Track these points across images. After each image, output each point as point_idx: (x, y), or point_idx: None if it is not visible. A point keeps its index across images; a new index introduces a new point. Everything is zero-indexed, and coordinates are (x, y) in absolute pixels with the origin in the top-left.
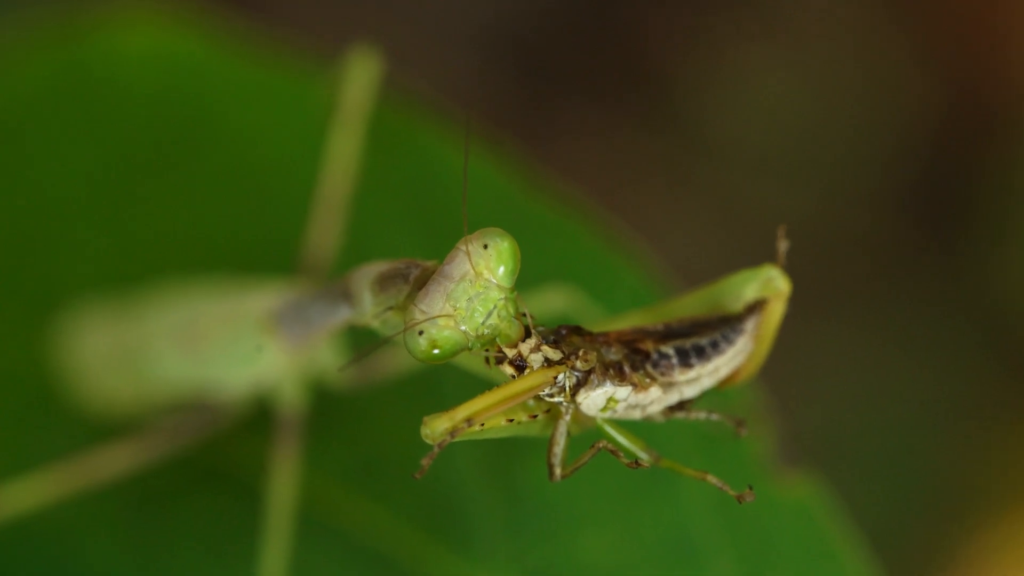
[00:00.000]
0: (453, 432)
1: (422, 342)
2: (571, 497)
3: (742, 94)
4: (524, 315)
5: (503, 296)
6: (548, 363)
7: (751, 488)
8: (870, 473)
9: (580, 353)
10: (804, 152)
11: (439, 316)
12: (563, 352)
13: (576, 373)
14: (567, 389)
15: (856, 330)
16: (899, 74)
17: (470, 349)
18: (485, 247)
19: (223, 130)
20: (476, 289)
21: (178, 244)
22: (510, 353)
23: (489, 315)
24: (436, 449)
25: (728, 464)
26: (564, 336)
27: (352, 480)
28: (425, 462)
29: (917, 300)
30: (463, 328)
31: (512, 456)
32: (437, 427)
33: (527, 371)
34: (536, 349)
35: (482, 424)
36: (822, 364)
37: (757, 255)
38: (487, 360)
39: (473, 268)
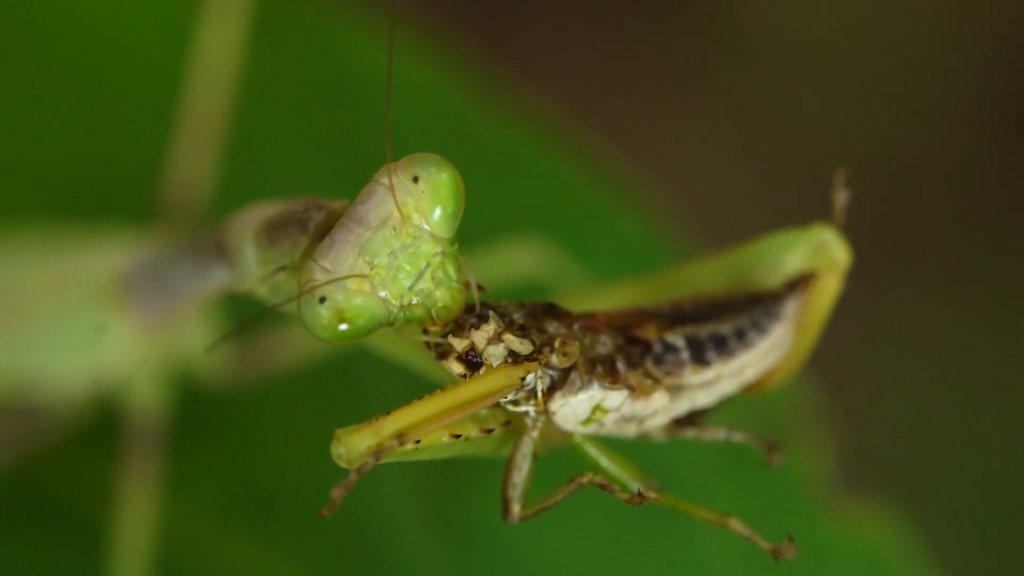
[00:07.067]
0: (378, 452)
1: (324, 313)
2: (541, 538)
3: None
4: (470, 283)
5: (439, 250)
6: (513, 358)
7: (792, 540)
8: (965, 505)
9: (557, 343)
10: (872, 54)
11: (349, 276)
12: (533, 342)
13: (550, 372)
14: (538, 394)
15: (945, 305)
16: None
17: (392, 325)
18: (415, 180)
19: (51, 16)
20: (402, 239)
21: None
22: (459, 344)
23: (420, 276)
24: (353, 475)
25: (767, 491)
26: (534, 318)
27: (232, 515)
28: (336, 494)
29: None
30: (382, 294)
31: (461, 481)
32: (355, 444)
33: (483, 368)
34: (496, 339)
35: (417, 441)
36: (899, 354)
37: (804, 199)
38: (427, 345)
39: (398, 209)
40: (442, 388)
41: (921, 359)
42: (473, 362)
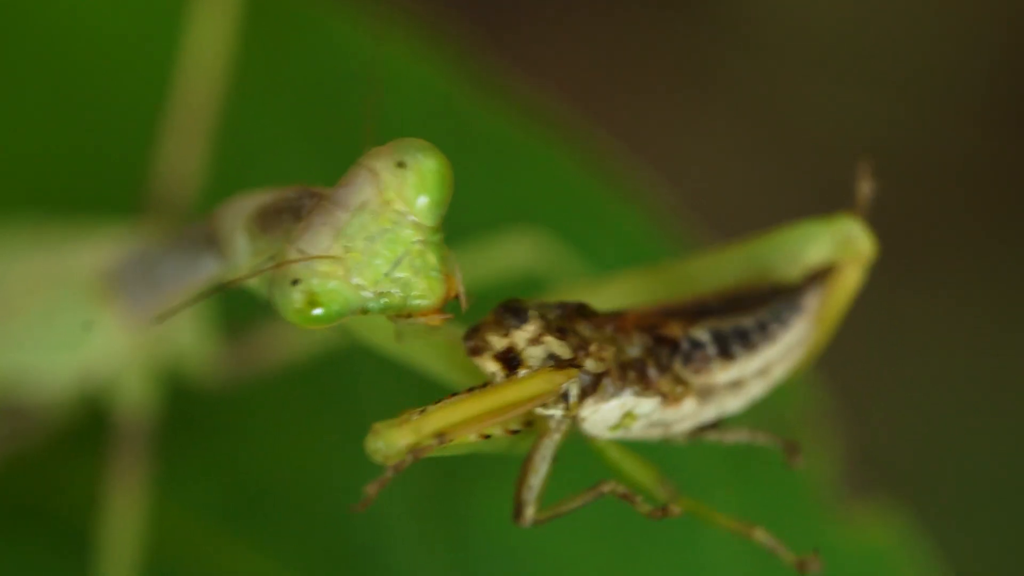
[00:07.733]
0: (416, 450)
1: (295, 296)
2: (540, 540)
3: None
4: (454, 276)
5: (420, 238)
6: (555, 360)
7: (817, 553)
8: (971, 506)
9: (592, 348)
10: (877, 50)
11: (319, 257)
12: (571, 346)
13: (583, 376)
14: (570, 399)
15: (948, 304)
16: None
17: (367, 313)
18: (400, 165)
19: (42, 9)
20: (381, 224)
21: None
22: (498, 343)
23: (398, 262)
24: (391, 472)
25: (772, 493)
26: (568, 319)
27: (224, 516)
28: (372, 489)
29: None
30: (355, 280)
31: (458, 482)
32: (395, 441)
33: (521, 370)
34: (537, 340)
35: (451, 439)
36: (901, 353)
37: (806, 194)
38: (430, 329)
39: (380, 194)
40: (482, 388)
41: (924, 358)
42: (511, 362)
